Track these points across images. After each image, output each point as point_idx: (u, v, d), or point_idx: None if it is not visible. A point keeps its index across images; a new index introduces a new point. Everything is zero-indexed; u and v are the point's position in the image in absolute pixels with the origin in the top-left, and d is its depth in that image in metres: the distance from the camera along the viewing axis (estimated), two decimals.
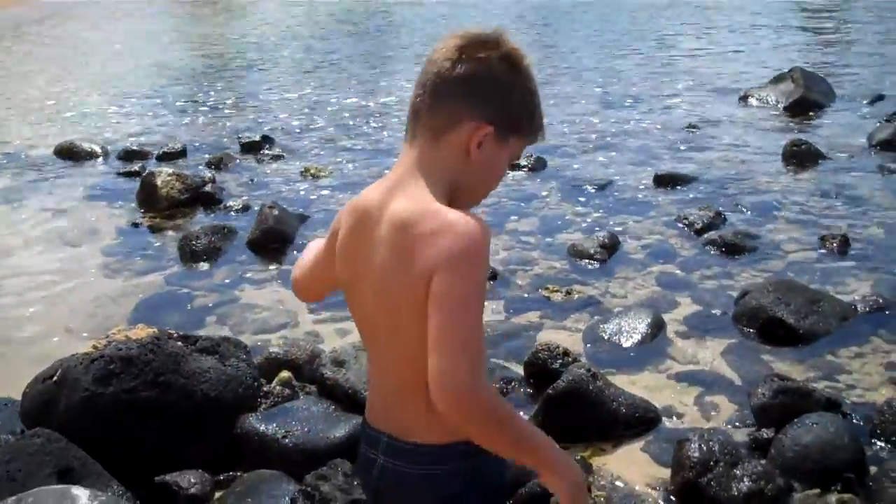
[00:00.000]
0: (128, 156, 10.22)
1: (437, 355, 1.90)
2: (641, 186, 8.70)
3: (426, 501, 2.15)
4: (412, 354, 2.01)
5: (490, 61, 2.11)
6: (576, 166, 9.41)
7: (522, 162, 9.29)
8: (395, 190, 2.11)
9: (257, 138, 10.50)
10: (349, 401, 4.45)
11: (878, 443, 4.44)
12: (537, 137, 2.28)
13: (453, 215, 2.00)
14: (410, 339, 2.01)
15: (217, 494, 4.02)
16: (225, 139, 10.96)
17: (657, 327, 5.65)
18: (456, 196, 2.12)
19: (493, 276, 6.57)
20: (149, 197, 8.42)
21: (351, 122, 11.71)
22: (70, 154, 10.33)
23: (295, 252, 7.24)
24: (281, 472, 4.01)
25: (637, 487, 4.13)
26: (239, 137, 10.67)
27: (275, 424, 4.25)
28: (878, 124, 10.29)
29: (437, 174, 2.10)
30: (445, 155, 2.11)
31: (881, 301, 5.93)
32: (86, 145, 10.51)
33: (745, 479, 3.96)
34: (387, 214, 2.09)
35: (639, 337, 5.57)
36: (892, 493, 3.92)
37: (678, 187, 8.58)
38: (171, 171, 8.73)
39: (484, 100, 2.11)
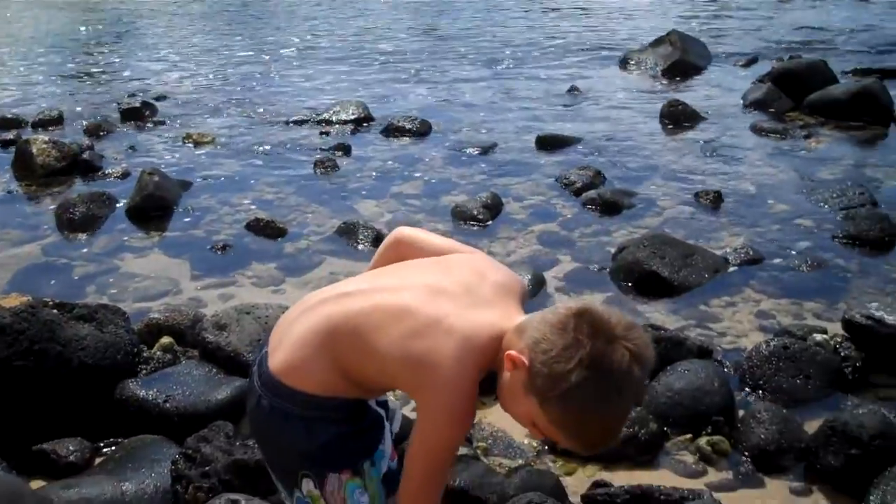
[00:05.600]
0: (1, 124, 9.88)
1: None
2: (524, 149, 8.82)
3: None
4: None
5: (575, 342, 2.01)
6: (460, 130, 9.47)
7: (407, 126, 9.35)
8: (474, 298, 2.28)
9: (137, 104, 10.27)
10: (231, 364, 4.44)
11: (746, 387, 4.64)
12: (570, 442, 2.16)
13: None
14: None
15: (97, 461, 3.98)
16: (104, 106, 10.68)
17: (538, 284, 5.76)
18: (490, 363, 2.21)
19: (377, 238, 6.60)
20: (24, 165, 8.17)
21: (234, 89, 11.54)
22: None
23: (179, 219, 7.15)
24: (162, 437, 3.99)
25: (516, 438, 4.23)
26: (118, 104, 10.42)
27: (155, 389, 4.22)
28: (751, 85, 10.63)
29: (499, 344, 2.18)
30: (505, 344, 2.15)
31: (751, 253, 6.17)
32: None
33: None
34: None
35: None
36: (758, 434, 4.11)
37: (560, 149, 8.73)
38: (46, 138, 8.50)
39: (540, 352, 2.04)
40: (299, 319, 2.36)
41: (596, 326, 2.02)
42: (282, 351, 2.33)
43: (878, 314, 4.82)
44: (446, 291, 2.27)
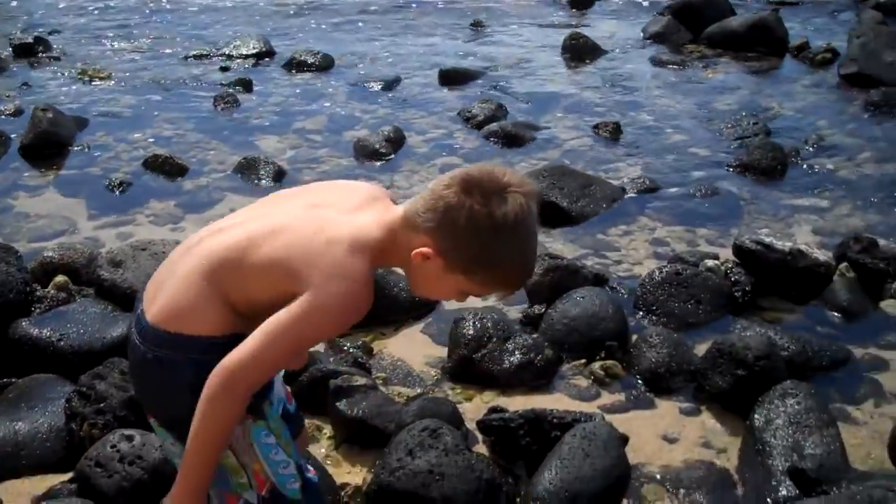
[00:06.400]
0: None
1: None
2: (427, 83, 8.80)
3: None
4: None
5: (473, 211, 2.08)
6: (362, 65, 9.39)
7: (309, 60, 9.24)
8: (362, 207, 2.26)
9: (30, 40, 9.93)
10: (127, 300, 4.38)
11: (640, 312, 4.75)
12: (502, 290, 2.32)
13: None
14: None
15: None
16: None
17: None
18: (383, 260, 2.22)
19: (279, 173, 6.56)
20: None
21: (130, 23, 11.23)
22: None
23: (75, 157, 6.99)
24: (57, 376, 3.94)
25: (416, 367, 4.29)
26: (10, 39, 10.07)
27: (49, 328, 4.16)
28: (651, 18, 10.72)
29: (394, 238, 2.18)
30: (403, 241, 2.17)
31: (648, 183, 6.30)
32: None
33: (516, 353, 4.18)
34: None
35: None
36: (650, 357, 4.22)
37: (462, 83, 8.73)
38: None
39: (447, 235, 2.11)
40: (179, 264, 2.32)
41: (484, 189, 2.09)
42: (163, 298, 2.26)
43: (767, 240, 4.97)
44: (322, 205, 2.28)
